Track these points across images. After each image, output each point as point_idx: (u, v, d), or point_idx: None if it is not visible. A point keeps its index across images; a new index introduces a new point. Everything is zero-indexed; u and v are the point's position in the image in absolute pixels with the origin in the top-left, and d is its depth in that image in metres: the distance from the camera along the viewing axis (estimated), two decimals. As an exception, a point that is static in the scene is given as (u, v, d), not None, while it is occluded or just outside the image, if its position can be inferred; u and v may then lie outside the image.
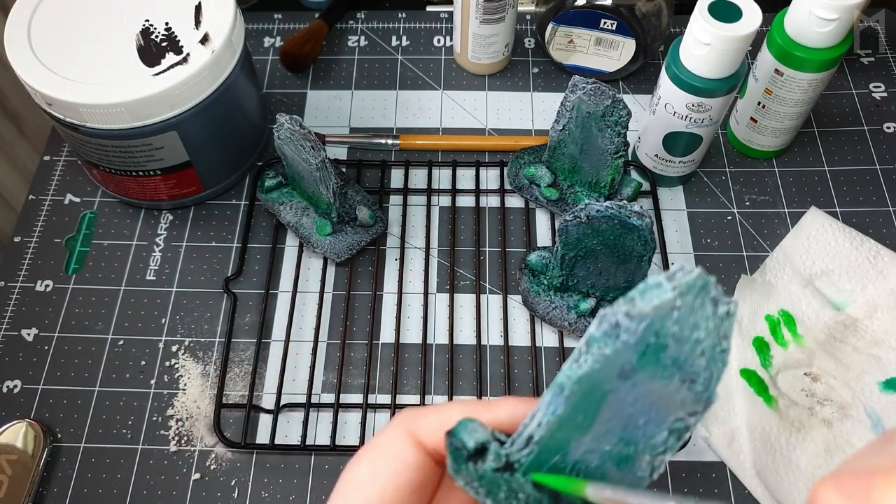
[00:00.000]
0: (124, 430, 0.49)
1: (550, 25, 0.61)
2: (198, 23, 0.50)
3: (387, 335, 0.52)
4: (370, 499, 0.25)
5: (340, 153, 0.61)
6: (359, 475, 0.26)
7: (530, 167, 0.56)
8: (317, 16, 0.67)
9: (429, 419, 0.26)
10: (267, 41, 0.67)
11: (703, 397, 0.24)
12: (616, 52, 0.61)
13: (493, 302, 0.53)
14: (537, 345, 0.52)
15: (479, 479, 0.25)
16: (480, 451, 0.25)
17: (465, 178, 0.59)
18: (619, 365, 0.23)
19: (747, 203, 0.58)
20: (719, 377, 0.24)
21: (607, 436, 0.25)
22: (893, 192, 0.58)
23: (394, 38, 0.68)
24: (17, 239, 0.56)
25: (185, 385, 0.50)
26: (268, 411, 0.49)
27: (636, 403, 0.24)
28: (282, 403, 0.49)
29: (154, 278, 0.55)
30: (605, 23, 0.59)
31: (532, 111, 0.63)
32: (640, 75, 0.65)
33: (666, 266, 0.54)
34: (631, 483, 0.26)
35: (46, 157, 0.60)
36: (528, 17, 0.69)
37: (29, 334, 0.52)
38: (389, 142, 0.60)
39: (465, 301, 0.53)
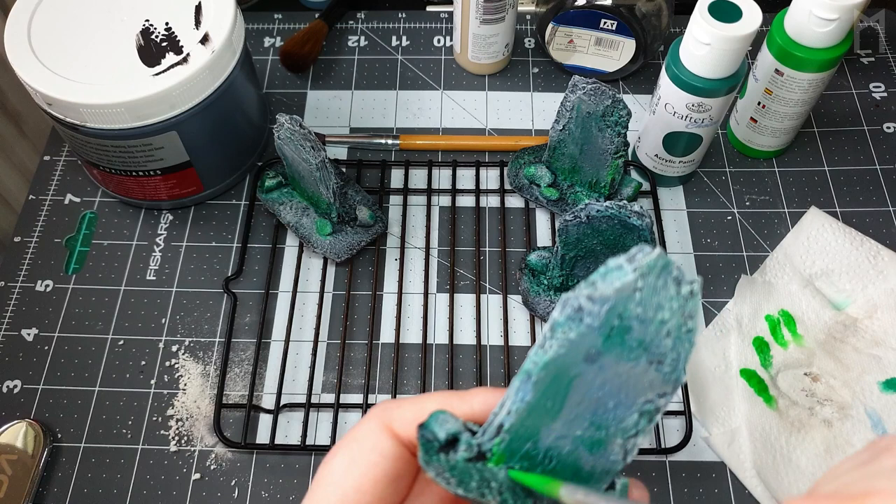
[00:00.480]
0: (124, 430, 0.49)
1: (550, 25, 0.61)
2: (198, 23, 0.50)
3: (387, 335, 0.52)
4: (346, 492, 0.25)
5: (340, 153, 0.61)
6: (334, 470, 0.26)
7: (530, 167, 0.56)
8: (317, 16, 0.67)
9: (403, 411, 0.26)
10: (267, 41, 0.67)
11: (672, 378, 0.24)
12: (616, 52, 0.61)
13: (493, 302, 0.53)
14: (537, 345, 0.51)
15: (450, 469, 0.25)
16: (452, 442, 0.25)
17: (465, 178, 0.59)
18: (585, 349, 0.23)
19: (747, 203, 0.58)
20: (687, 357, 0.24)
21: (577, 421, 0.25)
22: (893, 192, 0.58)
23: (394, 38, 0.68)
24: (17, 239, 0.56)
25: (185, 385, 0.50)
26: (268, 411, 0.49)
27: (604, 387, 0.24)
28: (282, 403, 0.49)
29: (154, 278, 0.55)
30: (605, 23, 0.59)
31: (532, 111, 0.63)
32: (640, 75, 0.65)
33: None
34: (605, 468, 0.26)
35: (46, 157, 0.60)
36: (528, 17, 0.69)
37: (29, 334, 0.52)
38: (389, 142, 0.60)
39: (465, 301, 0.53)
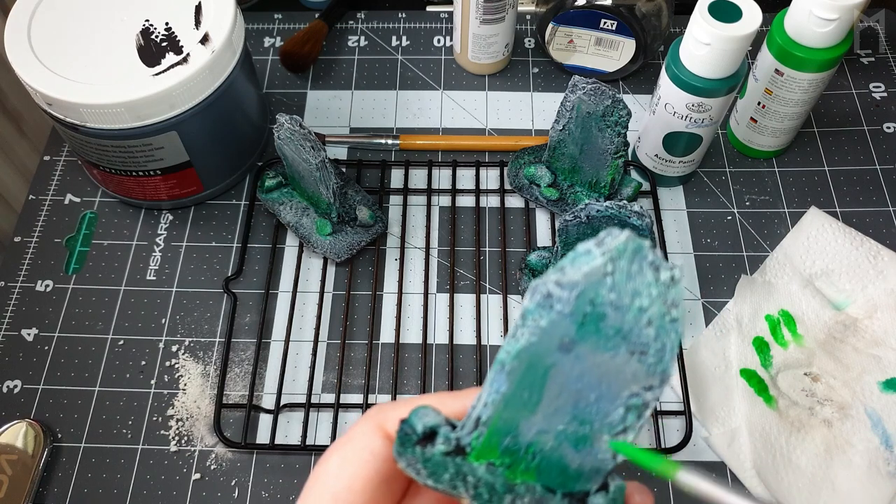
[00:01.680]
0: (124, 430, 0.49)
1: (550, 25, 0.61)
2: (198, 23, 0.50)
3: (387, 335, 0.52)
4: (338, 492, 0.25)
5: (340, 153, 0.61)
6: (327, 470, 0.26)
7: (530, 167, 0.56)
8: (317, 16, 0.67)
9: (397, 412, 0.26)
10: (267, 41, 0.67)
11: (657, 370, 0.23)
12: (616, 52, 0.61)
13: (493, 302, 0.53)
14: (537, 345, 0.51)
15: (424, 462, 0.24)
16: (432, 436, 0.25)
17: (465, 178, 0.59)
18: (558, 337, 0.23)
19: (747, 203, 0.58)
20: (673, 349, 0.23)
21: (558, 414, 0.24)
22: (893, 192, 0.58)
23: (394, 38, 0.68)
24: (17, 239, 0.56)
25: (185, 385, 0.50)
26: (268, 411, 0.49)
27: (583, 378, 0.24)
28: (282, 403, 0.49)
29: (154, 278, 0.55)
30: (605, 23, 0.59)
31: (532, 111, 0.63)
32: (640, 75, 0.65)
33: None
34: (593, 466, 0.25)
35: (46, 157, 0.60)
36: (528, 17, 0.69)
37: (29, 334, 0.52)
38: (389, 142, 0.60)
39: (465, 301, 0.53)
